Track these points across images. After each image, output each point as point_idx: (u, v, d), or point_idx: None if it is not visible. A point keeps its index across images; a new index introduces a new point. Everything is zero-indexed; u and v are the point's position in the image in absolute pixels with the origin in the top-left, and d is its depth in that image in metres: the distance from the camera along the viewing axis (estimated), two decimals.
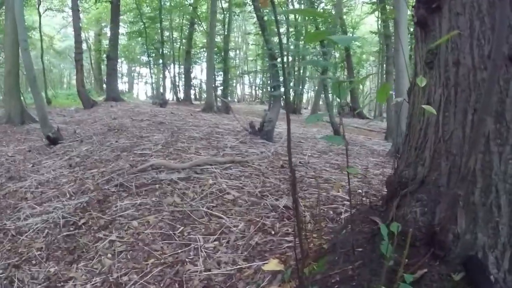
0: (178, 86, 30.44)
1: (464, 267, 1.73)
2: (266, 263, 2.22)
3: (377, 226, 2.10)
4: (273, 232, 3.06)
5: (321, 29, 20.83)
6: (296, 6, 25.00)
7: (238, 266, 2.58)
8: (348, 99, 23.89)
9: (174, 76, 30.05)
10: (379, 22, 21.40)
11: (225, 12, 22.22)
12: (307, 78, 24.91)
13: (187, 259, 2.74)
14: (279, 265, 1.84)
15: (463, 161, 1.88)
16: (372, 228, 2.21)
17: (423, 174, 2.07)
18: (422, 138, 2.15)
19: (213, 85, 19.22)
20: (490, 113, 1.79)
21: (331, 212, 3.40)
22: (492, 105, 1.79)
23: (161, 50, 23.59)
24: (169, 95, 31.18)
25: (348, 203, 3.19)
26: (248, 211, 3.49)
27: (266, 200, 3.70)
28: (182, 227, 3.24)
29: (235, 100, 42.33)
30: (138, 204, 3.76)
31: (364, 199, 3.07)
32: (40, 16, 22.27)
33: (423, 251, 1.85)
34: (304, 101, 36.51)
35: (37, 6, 21.95)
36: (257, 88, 45.61)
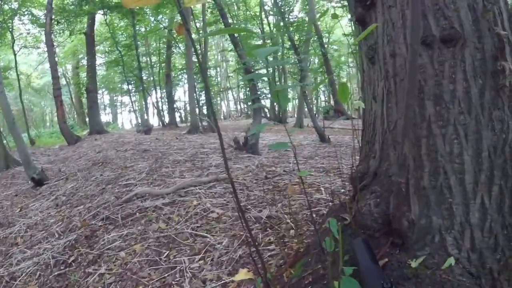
0: (162, 110, 30.61)
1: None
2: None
3: (345, 223, 2.22)
4: (256, 244, 3.18)
5: (296, 38, 21.26)
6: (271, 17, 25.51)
7: (223, 282, 2.69)
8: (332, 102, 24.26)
9: (157, 101, 30.23)
10: (352, 23, 21.85)
11: (200, 32, 22.55)
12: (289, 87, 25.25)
13: (173, 282, 2.84)
14: (248, 274, 1.96)
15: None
16: (343, 225, 2.32)
17: (375, 166, 2.16)
18: (372, 132, 2.25)
19: (196, 106, 19.39)
20: (429, 97, 1.87)
21: (315, 215, 3.53)
22: (430, 89, 1.87)
23: (140, 76, 23.82)
24: (154, 121, 31.32)
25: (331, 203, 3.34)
26: (232, 226, 3.60)
27: (250, 213, 3.82)
28: (168, 251, 3.33)
29: (221, 117, 42.56)
30: (125, 234, 3.85)
31: (346, 197, 3.18)
32: (15, 54, 22.00)
33: (383, 241, 1.93)
34: (290, 109, 36.87)
35: (11, 45, 21.95)
36: (241, 103, 45.95)
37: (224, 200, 4.36)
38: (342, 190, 4.07)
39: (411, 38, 1.70)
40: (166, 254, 3.30)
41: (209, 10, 21.72)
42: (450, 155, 1.83)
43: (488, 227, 1.76)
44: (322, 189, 4.36)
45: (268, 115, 27.04)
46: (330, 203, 3.58)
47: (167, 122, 26.69)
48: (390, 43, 2.06)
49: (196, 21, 22.99)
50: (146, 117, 23.01)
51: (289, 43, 14.81)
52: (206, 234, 3.51)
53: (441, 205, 1.83)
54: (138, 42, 23.51)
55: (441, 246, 1.80)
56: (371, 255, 1.64)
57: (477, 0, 1.86)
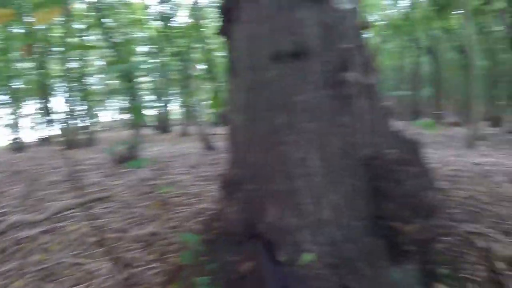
0: (38, 123, 27.50)
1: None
2: None
3: (218, 232, 2.35)
4: (137, 264, 3.16)
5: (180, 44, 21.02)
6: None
7: None
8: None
9: (33, 113, 27.05)
10: None
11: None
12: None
13: None
14: None
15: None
16: (216, 234, 2.44)
17: (238, 175, 2.30)
18: (234, 141, 2.39)
19: (71, 117, 17.97)
20: (280, 107, 2.04)
21: (197, 226, 3.63)
22: (281, 100, 2.03)
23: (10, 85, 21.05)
24: (30, 136, 28.00)
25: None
26: (113, 249, 3.53)
27: (132, 232, 3.76)
28: (49, 285, 3.16)
29: (102, 128, 39.94)
30: (7, 270, 3.49)
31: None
32: None
33: (250, 245, 2.10)
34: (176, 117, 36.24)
35: None
36: (122, 112, 43.84)
37: (104, 221, 4.21)
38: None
39: (264, 52, 1.88)
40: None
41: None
42: (299, 160, 2.00)
43: (340, 222, 2.00)
44: (205, 198, 4.49)
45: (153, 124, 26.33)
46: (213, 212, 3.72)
47: (44, 136, 24.11)
48: (249, 57, 2.18)
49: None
50: (18, 132, 20.52)
51: (174, 49, 14.71)
52: (87, 261, 3.37)
53: (296, 206, 2.01)
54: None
55: (298, 244, 2.00)
56: (271, 257, 1.79)
57: (326, 16, 2.05)
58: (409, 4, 22.31)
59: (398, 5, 27.41)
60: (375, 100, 2.15)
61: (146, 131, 21.94)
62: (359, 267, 1.95)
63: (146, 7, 19.75)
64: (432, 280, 2.23)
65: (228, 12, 2.36)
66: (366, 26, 2.13)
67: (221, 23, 2.45)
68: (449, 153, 8.96)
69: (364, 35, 2.19)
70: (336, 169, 2.01)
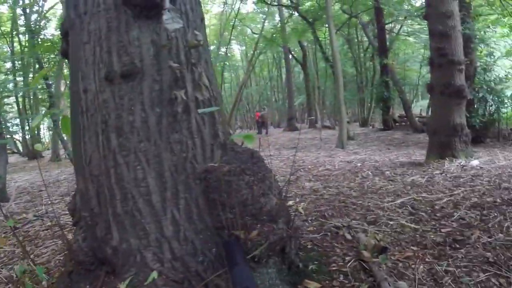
0: None
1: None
2: None
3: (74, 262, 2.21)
4: None
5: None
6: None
7: None
8: None
9: None
10: None
11: None
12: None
13: None
14: None
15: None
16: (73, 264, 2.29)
17: (80, 201, 2.24)
18: (76, 166, 2.33)
19: None
20: (113, 129, 2.04)
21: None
22: (113, 122, 2.04)
23: None
24: None
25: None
26: None
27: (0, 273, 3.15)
28: None
29: None
30: None
31: None
32: None
33: (99, 272, 2.06)
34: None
35: None
36: None
37: None
38: None
39: (98, 74, 1.95)
40: None
41: None
42: (135, 181, 2.02)
43: (183, 236, 2.02)
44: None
45: (21, 150, 23.56)
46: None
47: None
48: (84, 79, 2.16)
49: None
50: None
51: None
52: None
53: (136, 227, 2.00)
54: None
55: (143, 264, 1.97)
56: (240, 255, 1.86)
57: (158, 36, 2.10)
58: (281, 18, 23.86)
59: (271, 18, 29.27)
60: (210, 115, 2.25)
61: (13, 159, 19.53)
62: (206, 278, 1.99)
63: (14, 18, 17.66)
64: (300, 278, 2.28)
65: (66, 33, 2.34)
66: (196, 44, 2.18)
67: (62, 44, 2.45)
68: (323, 154, 9.60)
69: (196, 53, 2.26)
70: (173, 186, 2.06)
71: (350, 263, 2.64)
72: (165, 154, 2.06)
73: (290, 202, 4.29)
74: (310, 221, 3.62)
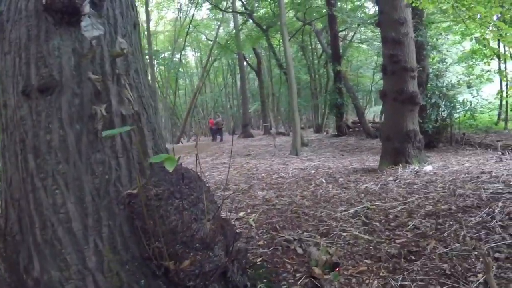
0: None
1: None
2: None
3: None
4: None
5: None
6: None
7: None
8: None
9: None
10: None
11: None
12: None
13: None
14: None
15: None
16: None
17: (4, 226, 2.01)
18: (2, 188, 2.09)
19: None
20: (30, 149, 1.83)
21: None
22: (30, 141, 1.82)
23: None
24: None
25: None
26: None
27: None
28: None
29: None
30: None
31: None
32: None
33: None
34: None
35: None
36: None
37: None
38: None
39: (16, 88, 1.81)
40: None
41: None
42: (54, 206, 1.80)
43: (107, 268, 1.80)
44: None
45: None
46: None
47: None
48: (4, 93, 1.97)
49: None
50: None
51: None
52: None
53: (56, 258, 1.78)
54: None
55: None
56: None
57: (79, 45, 1.89)
58: (235, 24, 23.78)
59: (226, 25, 29.17)
60: (139, 131, 2.06)
61: None
62: None
63: None
64: None
65: None
66: (119, 53, 1.97)
67: None
68: (277, 161, 9.50)
69: (125, 62, 2.05)
70: (94, 212, 1.85)
71: (301, 280, 2.49)
72: (85, 176, 1.85)
73: (241, 214, 4.10)
74: (260, 234, 3.43)
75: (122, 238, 1.86)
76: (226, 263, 1.96)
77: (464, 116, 10.43)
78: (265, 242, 3.24)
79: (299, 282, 2.46)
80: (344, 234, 3.29)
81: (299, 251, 2.95)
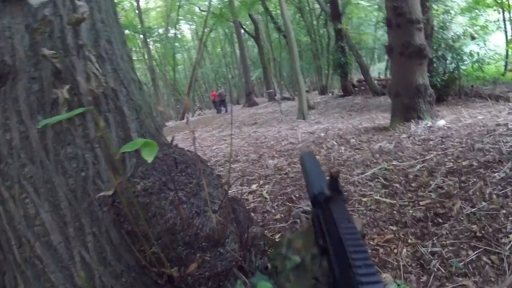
0: None
1: None
2: None
3: None
4: None
5: None
6: None
7: None
8: None
9: None
10: None
11: None
12: None
13: None
14: None
15: None
16: None
17: None
18: None
19: None
20: None
21: None
22: None
23: None
24: None
25: None
26: None
27: None
28: None
29: None
30: None
31: None
32: None
33: None
34: None
35: None
36: None
37: None
38: None
39: None
40: None
41: None
42: (27, 219, 1.50)
43: (100, 283, 1.51)
44: None
45: None
46: None
47: None
48: None
49: None
50: None
51: None
52: None
53: (40, 278, 1.50)
54: None
55: None
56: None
57: (35, 19, 1.52)
58: None
59: None
60: (118, 111, 1.68)
61: None
62: None
63: None
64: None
65: None
66: (79, 19, 1.53)
67: None
68: (284, 127, 9.29)
69: (93, 31, 1.67)
70: (74, 220, 1.51)
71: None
72: (57, 177, 1.51)
73: (254, 187, 3.94)
74: (276, 207, 3.28)
75: (111, 246, 1.54)
76: (241, 256, 1.73)
77: (472, 67, 10.06)
78: (282, 215, 3.09)
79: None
80: (364, 199, 3.13)
81: None
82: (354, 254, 0.72)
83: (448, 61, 9.37)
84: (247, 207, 3.14)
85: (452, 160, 3.78)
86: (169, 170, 1.59)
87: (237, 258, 1.70)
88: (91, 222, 1.51)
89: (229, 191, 3.60)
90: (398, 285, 1.77)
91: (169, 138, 1.96)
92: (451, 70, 9.48)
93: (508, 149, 3.80)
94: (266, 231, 2.67)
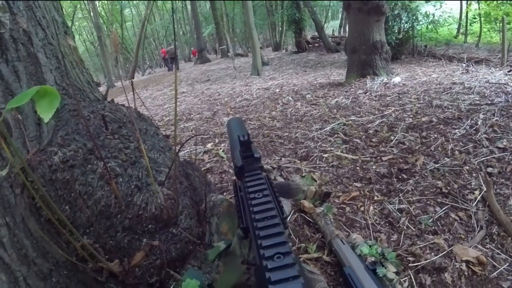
0: None
1: None
2: None
3: None
4: None
5: None
6: None
7: None
8: None
9: None
10: None
11: None
12: None
13: None
14: None
15: None
16: None
17: None
18: None
19: None
20: None
21: None
22: None
23: None
24: None
25: None
26: None
27: None
28: None
29: None
30: None
31: None
32: None
33: None
34: None
35: None
36: None
37: None
38: None
39: None
40: None
41: None
42: None
43: (35, 287, 1.17)
44: None
45: None
46: None
47: None
48: None
49: None
50: None
51: None
52: None
53: None
54: None
55: None
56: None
57: None
58: None
59: None
60: (32, 60, 1.31)
61: None
62: None
63: None
64: None
65: None
66: None
67: None
68: (238, 83, 8.97)
69: None
70: None
71: (289, 217, 2.14)
72: None
73: (209, 145, 3.67)
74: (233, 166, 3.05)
75: (32, 240, 1.18)
76: (199, 233, 1.43)
77: (427, 28, 10.07)
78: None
79: (287, 220, 2.13)
80: (326, 155, 2.97)
81: (280, 180, 2.60)
82: (265, 240, 0.56)
83: (403, 20, 9.29)
84: (203, 170, 2.89)
85: (411, 116, 3.70)
86: (96, 133, 1.23)
87: (194, 238, 1.40)
88: (3, 212, 1.15)
89: (181, 153, 3.32)
90: (370, 246, 1.62)
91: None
92: (406, 29, 9.43)
93: (466, 107, 3.76)
94: (225, 194, 2.44)
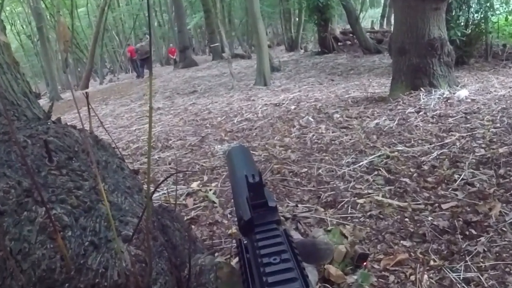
0: None
1: None
2: None
3: None
4: None
5: None
6: None
7: None
8: None
9: None
10: None
11: None
12: None
13: None
14: None
15: None
16: None
17: None
18: None
19: None
20: None
21: None
22: None
23: None
24: None
25: None
26: None
27: None
28: None
29: None
30: None
31: None
32: None
33: None
34: None
35: None
36: None
37: None
38: None
39: None
40: None
41: None
42: None
43: None
44: None
45: None
46: None
47: None
48: None
49: None
50: None
51: None
52: None
53: None
54: None
55: None
56: None
57: None
58: None
59: None
60: None
61: None
62: None
63: None
64: None
65: None
66: None
67: None
68: (237, 97, 9.14)
69: None
70: None
71: None
72: None
73: (194, 185, 3.74)
74: (229, 215, 3.12)
75: None
76: None
77: (506, 20, 10.19)
78: None
79: None
80: (361, 201, 3.05)
81: (297, 236, 2.65)
82: None
83: (472, 9, 9.40)
84: (185, 220, 2.95)
85: (483, 146, 3.78)
86: (36, 166, 1.26)
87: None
88: None
89: (156, 196, 3.38)
90: None
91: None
92: (477, 21, 9.52)
93: None
94: (217, 254, 2.50)
